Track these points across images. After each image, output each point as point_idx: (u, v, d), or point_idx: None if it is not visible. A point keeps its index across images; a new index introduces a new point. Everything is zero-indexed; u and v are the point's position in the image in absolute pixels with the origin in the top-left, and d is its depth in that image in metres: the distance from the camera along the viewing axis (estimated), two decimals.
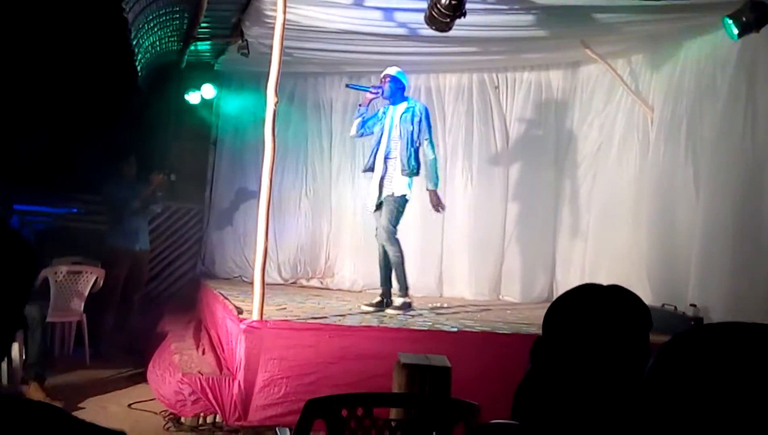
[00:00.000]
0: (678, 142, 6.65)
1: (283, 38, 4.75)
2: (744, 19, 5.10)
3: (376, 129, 5.89)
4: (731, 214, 5.95)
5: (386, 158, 5.81)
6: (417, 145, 5.79)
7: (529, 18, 5.72)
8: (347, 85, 6.59)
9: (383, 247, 5.83)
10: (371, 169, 5.89)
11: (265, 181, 4.86)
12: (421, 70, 7.64)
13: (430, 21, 4.83)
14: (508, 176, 8.11)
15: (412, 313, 5.92)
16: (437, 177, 6.01)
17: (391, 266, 5.83)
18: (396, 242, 5.79)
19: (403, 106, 5.84)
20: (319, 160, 8.39)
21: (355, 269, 8.15)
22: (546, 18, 5.75)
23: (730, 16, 5.15)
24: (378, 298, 5.90)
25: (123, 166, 7.03)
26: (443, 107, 8.12)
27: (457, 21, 4.88)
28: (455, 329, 5.18)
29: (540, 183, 7.99)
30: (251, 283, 5.23)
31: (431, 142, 5.86)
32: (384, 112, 5.91)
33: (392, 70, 5.92)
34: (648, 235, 6.90)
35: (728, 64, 6.14)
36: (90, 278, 6.34)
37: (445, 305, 6.93)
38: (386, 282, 5.89)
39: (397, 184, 5.79)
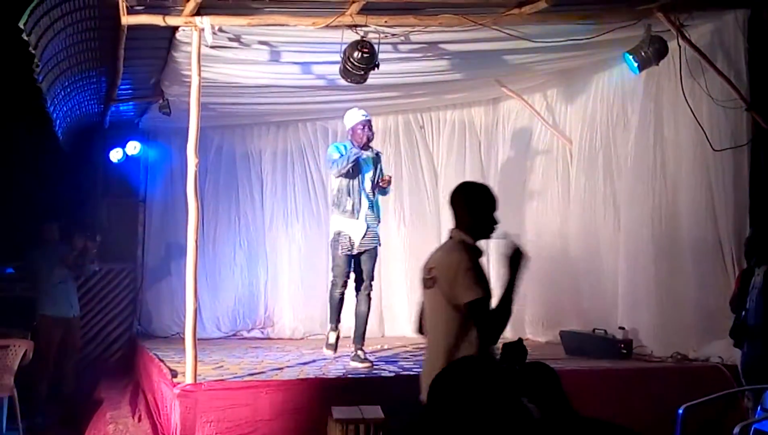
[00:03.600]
0: (596, 171, 6.92)
1: (199, 99, 4.77)
2: (643, 54, 5.37)
3: (347, 171, 5.58)
4: (650, 236, 6.21)
5: (371, 205, 5.74)
6: None
7: (443, 63, 5.90)
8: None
9: (368, 300, 5.79)
10: (356, 213, 5.64)
11: (190, 242, 4.83)
12: None
13: (345, 74, 4.94)
14: (440, 213, 8.25)
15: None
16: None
17: (365, 319, 5.78)
18: None
19: (370, 150, 5.67)
20: (251, 209, 8.38)
21: (294, 317, 8.13)
22: (459, 62, 5.94)
23: (630, 52, 5.42)
24: (361, 351, 5.69)
25: (44, 230, 6.90)
26: None
27: (373, 70, 5.01)
28: (392, 374, 5.22)
29: None
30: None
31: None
32: (361, 156, 5.60)
33: (363, 114, 5.66)
34: (576, 262, 7.11)
35: (636, 94, 6.46)
36: (18, 351, 6.15)
37: (386, 347, 6.96)
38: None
39: (379, 232, 5.84)
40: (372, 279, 5.85)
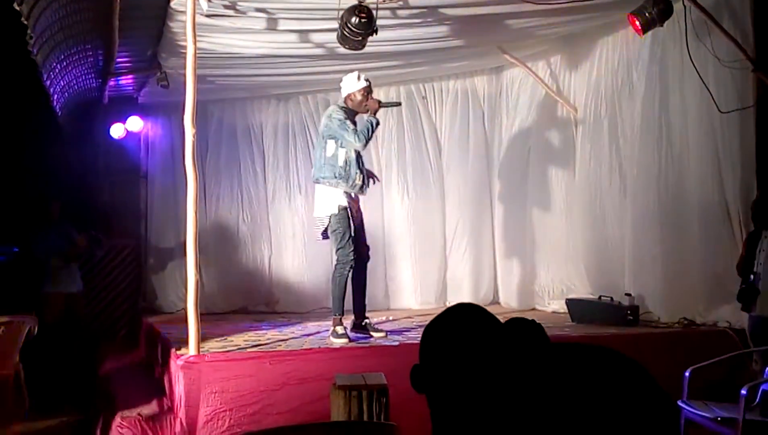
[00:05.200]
0: (602, 138, 6.83)
1: (195, 68, 4.68)
2: (647, 14, 5.26)
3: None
4: (656, 203, 6.15)
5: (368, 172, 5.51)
6: None
7: (443, 29, 5.80)
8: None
9: (365, 267, 5.56)
10: (365, 189, 5.42)
11: (190, 213, 4.80)
12: None
13: (343, 40, 4.86)
14: (444, 183, 8.21)
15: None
16: None
17: (365, 288, 5.58)
18: None
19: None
20: (253, 184, 8.33)
21: (300, 290, 8.11)
22: (460, 28, 5.84)
23: (634, 14, 5.30)
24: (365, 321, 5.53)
25: (45, 209, 6.88)
26: None
27: (373, 37, 4.92)
28: (396, 344, 5.19)
29: (475, 187, 8.11)
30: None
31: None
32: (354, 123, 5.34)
33: (366, 78, 5.40)
34: (582, 230, 7.06)
35: (641, 58, 6.35)
36: (23, 328, 6.14)
37: (391, 318, 6.94)
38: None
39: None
40: (369, 248, 5.63)
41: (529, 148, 7.67)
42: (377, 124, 5.35)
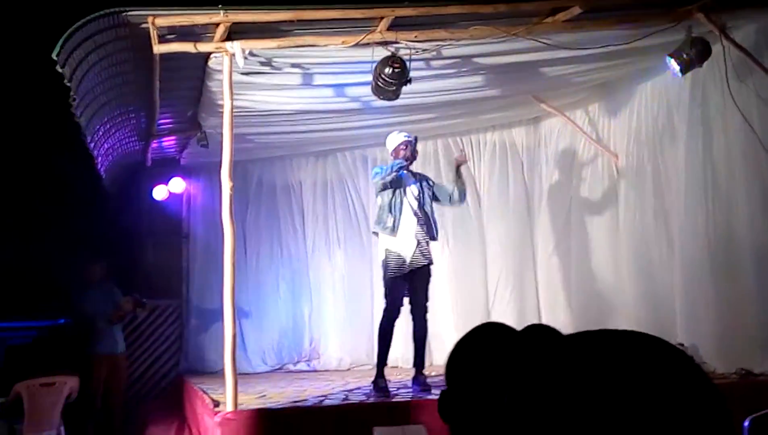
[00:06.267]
0: (645, 184, 6.68)
1: (232, 124, 4.75)
2: (685, 56, 5.19)
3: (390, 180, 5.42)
4: (706, 249, 5.92)
5: (420, 222, 5.44)
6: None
7: (478, 78, 5.80)
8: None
9: (424, 321, 5.45)
10: (396, 230, 5.38)
11: (227, 267, 4.78)
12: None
13: (377, 91, 4.88)
14: (485, 236, 8.10)
15: (398, 385, 5.77)
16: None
17: (423, 341, 5.50)
18: None
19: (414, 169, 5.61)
20: (293, 240, 8.36)
21: (340, 347, 8.02)
22: (495, 77, 5.84)
23: (672, 55, 5.24)
24: (422, 376, 5.47)
25: (89, 270, 6.97)
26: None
27: (407, 89, 4.94)
28: (437, 397, 5.03)
29: (516, 238, 7.98)
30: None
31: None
32: (401, 174, 5.44)
33: (405, 134, 5.57)
34: (629, 279, 6.84)
35: (681, 102, 6.23)
36: (65, 389, 6.17)
37: (433, 374, 6.76)
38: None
39: (432, 251, 5.59)
40: (427, 300, 5.50)
41: (570, 198, 7.54)
42: (400, 165, 5.40)
